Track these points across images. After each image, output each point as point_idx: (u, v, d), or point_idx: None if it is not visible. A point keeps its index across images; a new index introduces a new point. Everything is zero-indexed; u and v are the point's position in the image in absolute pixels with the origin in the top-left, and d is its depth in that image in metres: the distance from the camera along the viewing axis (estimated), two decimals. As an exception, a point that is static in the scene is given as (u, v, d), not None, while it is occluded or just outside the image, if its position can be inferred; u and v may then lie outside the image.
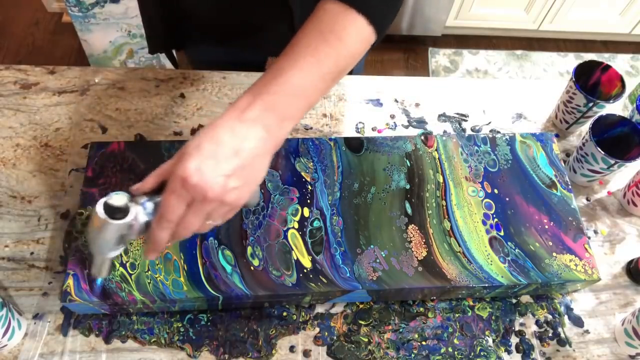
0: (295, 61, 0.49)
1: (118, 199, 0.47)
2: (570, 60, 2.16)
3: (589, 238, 0.75)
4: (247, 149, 0.46)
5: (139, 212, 0.49)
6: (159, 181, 0.50)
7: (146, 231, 0.50)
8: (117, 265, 0.61)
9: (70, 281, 0.60)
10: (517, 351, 0.66)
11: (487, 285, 0.63)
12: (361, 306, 0.67)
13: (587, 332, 0.68)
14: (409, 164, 0.71)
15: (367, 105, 0.85)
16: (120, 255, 0.62)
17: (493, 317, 0.68)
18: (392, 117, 0.84)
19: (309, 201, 0.67)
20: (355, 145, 0.72)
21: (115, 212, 0.47)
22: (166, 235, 0.48)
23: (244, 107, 0.47)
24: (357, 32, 0.51)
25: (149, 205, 0.49)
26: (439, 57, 2.13)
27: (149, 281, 0.61)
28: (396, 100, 0.86)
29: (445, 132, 0.83)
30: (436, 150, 0.73)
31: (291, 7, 0.73)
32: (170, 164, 0.49)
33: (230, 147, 0.46)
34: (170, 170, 0.48)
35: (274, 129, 0.48)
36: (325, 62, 0.49)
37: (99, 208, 0.48)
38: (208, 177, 0.45)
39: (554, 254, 0.66)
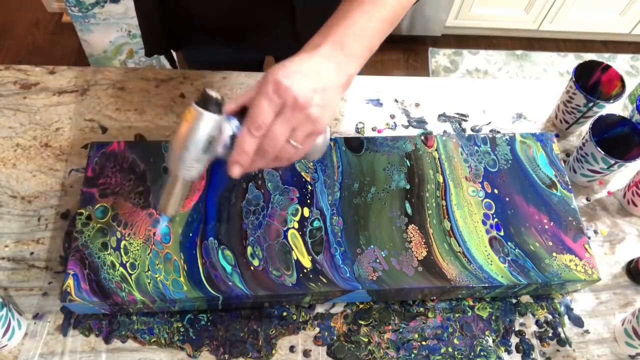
0: (359, 5, 0.53)
1: (213, 92, 0.47)
2: (570, 60, 2.16)
3: (589, 238, 0.75)
4: (325, 74, 0.50)
5: (226, 124, 0.49)
6: (240, 104, 0.51)
7: (230, 149, 0.50)
8: (117, 265, 0.61)
9: (70, 281, 0.60)
10: (517, 351, 0.66)
11: (487, 285, 0.63)
12: (361, 306, 0.67)
13: (587, 332, 0.68)
14: (409, 164, 0.71)
15: (367, 105, 0.85)
16: (120, 255, 0.62)
17: (493, 317, 0.68)
18: (392, 117, 0.84)
19: (309, 201, 0.67)
20: (355, 145, 0.72)
21: (211, 104, 0.47)
22: (253, 144, 0.49)
23: (316, 45, 0.51)
24: None
25: (235, 121, 0.50)
26: (439, 57, 2.13)
27: (149, 281, 0.61)
28: (396, 100, 0.86)
29: (445, 132, 0.83)
30: (436, 150, 0.73)
31: (294, 5, 0.73)
32: (250, 91, 0.50)
33: (312, 69, 0.49)
34: (250, 97, 0.49)
35: (344, 64, 0.51)
36: (384, 7, 0.54)
37: (194, 102, 0.48)
38: (299, 84, 0.47)
39: (554, 254, 0.66)
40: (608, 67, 0.79)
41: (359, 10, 0.52)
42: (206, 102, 0.47)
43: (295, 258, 0.63)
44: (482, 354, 0.65)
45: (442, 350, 0.65)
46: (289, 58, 0.50)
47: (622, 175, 0.81)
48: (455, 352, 0.65)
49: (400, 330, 0.66)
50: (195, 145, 0.48)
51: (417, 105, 0.86)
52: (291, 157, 0.51)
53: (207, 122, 0.47)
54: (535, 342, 0.67)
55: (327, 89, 0.49)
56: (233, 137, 0.49)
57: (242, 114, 0.49)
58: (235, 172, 0.50)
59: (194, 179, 0.51)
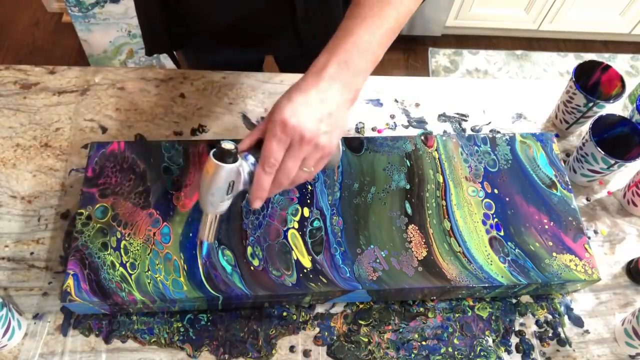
0: (362, 21, 0.54)
1: (227, 144, 0.52)
2: (570, 60, 2.16)
3: (589, 238, 0.75)
4: (331, 99, 0.52)
5: (243, 163, 0.55)
6: (254, 140, 0.55)
7: (250, 183, 0.55)
8: (117, 265, 0.61)
9: (70, 281, 0.60)
10: (517, 351, 0.66)
11: (487, 285, 0.63)
12: (361, 306, 0.67)
13: (587, 332, 0.68)
14: (409, 164, 0.71)
15: (367, 105, 0.85)
16: (120, 255, 0.62)
17: (493, 317, 0.68)
18: (392, 117, 0.84)
19: (309, 201, 0.67)
20: (355, 145, 0.72)
21: (226, 156, 0.52)
22: (269, 180, 0.53)
23: (322, 66, 0.53)
24: None
25: (251, 158, 0.55)
26: (439, 57, 2.13)
27: (149, 281, 0.61)
28: (396, 100, 0.86)
29: (445, 132, 0.83)
30: (436, 150, 0.73)
31: (295, 4, 0.73)
32: (262, 125, 0.54)
33: (316, 97, 0.52)
34: (263, 129, 0.53)
35: (350, 82, 0.54)
36: (387, 20, 0.55)
37: (212, 155, 0.53)
38: (304, 119, 0.50)
39: (554, 254, 0.66)
40: (608, 67, 0.79)
41: (362, 26, 0.54)
42: (223, 155, 0.52)
43: (295, 258, 0.63)
44: (482, 354, 0.65)
45: (442, 350, 0.65)
46: (295, 85, 0.52)
47: (622, 175, 0.81)
48: (455, 352, 0.65)
49: (400, 330, 0.66)
50: (219, 191, 0.54)
51: (417, 105, 0.86)
52: (307, 179, 0.56)
53: (225, 173, 0.53)
54: (535, 342, 0.67)
55: (333, 113, 0.52)
56: (251, 174, 0.55)
57: (257, 146, 0.55)
58: (257, 205, 0.55)
59: (223, 212, 0.58)
